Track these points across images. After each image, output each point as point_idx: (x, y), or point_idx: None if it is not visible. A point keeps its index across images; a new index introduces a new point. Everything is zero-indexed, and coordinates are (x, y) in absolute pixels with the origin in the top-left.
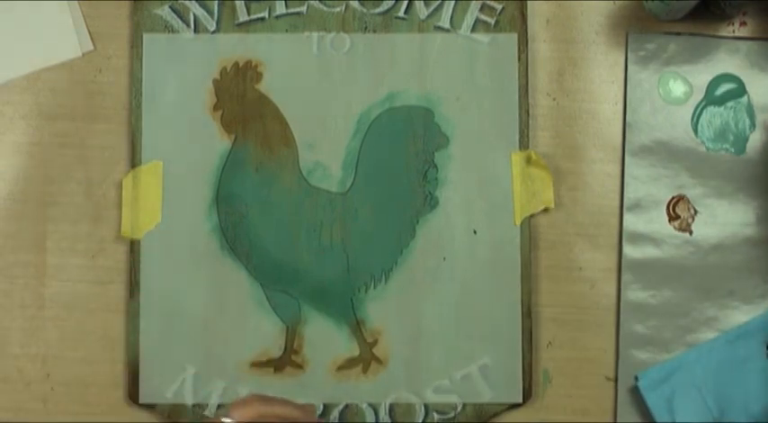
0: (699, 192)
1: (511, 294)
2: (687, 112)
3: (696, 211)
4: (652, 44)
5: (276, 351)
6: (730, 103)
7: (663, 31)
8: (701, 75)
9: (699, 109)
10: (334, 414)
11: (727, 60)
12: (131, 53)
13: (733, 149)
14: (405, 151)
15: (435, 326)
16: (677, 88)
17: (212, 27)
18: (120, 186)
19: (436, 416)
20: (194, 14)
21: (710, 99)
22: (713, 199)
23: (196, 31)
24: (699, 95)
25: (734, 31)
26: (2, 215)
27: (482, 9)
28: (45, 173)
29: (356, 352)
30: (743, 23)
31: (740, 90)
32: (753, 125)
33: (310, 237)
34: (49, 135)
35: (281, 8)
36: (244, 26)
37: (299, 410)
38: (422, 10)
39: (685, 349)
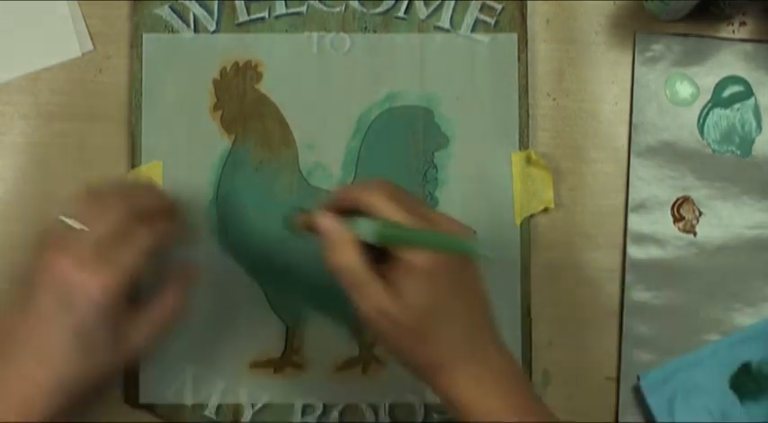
0: (704, 193)
1: (511, 294)
2: (693, 113)
3: (701, 213)
4: (659, 45)
5: (276, 351)
6: (737, 106)
7: (670, 32)
8: (708, 76)
9: (705, 111)
10: (334, 414)
11: (734, 62)
12: (131, 53)
13: (739, 151)
14: (405, 151)
15: None
16: (684, 90)
17: (212, 27)
18: None
19: (436, 416)
20: (194, 14)
21: (717, 101)
22: (718, 201)
23: (196, 31)
24: (705, 97)
25: (733, 32)
26: (2, 215)
27: (482, 9)
28: (45, 173)
29: (356, 352)
30: (742, 23)
31: (747, 92)
32: (759, 127)
33: (310, 237)
34: (48, 135)
35: (280, 8)
36: (244, 26)
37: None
38: (422, 10)
39: (688, 351)
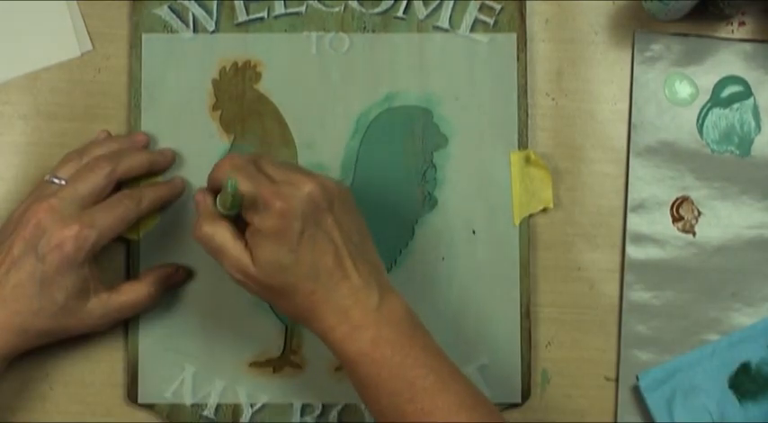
0: (703, 193)
1: (510, 294)
2: (693, 113)
3: (700, 213)
4: (658, 45)
5: (275, 351)
6: (736, 105)
7: (669, 32)
8: (708, 76)
9: (704, 110)
10: (333, 414)
11: (733, 62)
12: (130, 53)
13: (738, 151)
14: (404, 151)
15: (434, 326)
16: (683, 89)
17: (211, 27)
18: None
19: None
20: (193, 14)
21: (716, 101)
22: (717, 201)
23: (195, 31)
24: (704, 97)
25: (733, 32)
26: (1, 215)
27: (481, 9)
28: (44, 173)
29: None
30: (742, 23)
31: (746, 92)
32: (758, 127)
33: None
34: (47, 135)
35: (279, 8)
36: (243, 26)
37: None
38: (421, 10)
39: (687, 351)
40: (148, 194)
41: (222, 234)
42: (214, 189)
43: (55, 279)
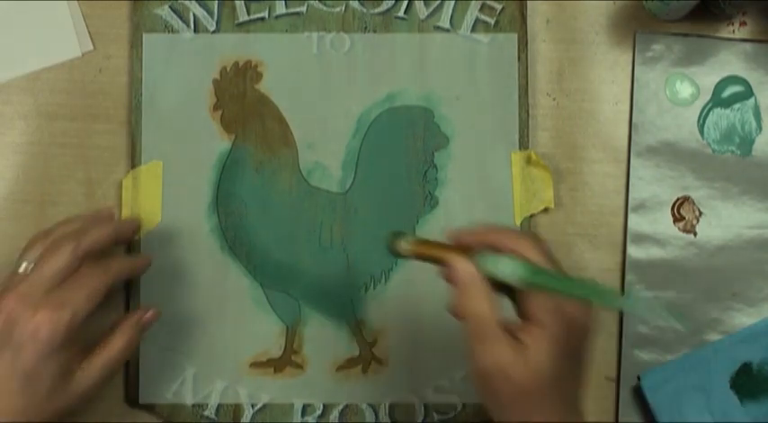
0: (704, 193)
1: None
2: (693, 113)
3: (701, 213)
4: (659, 45)
5: (276, 351)
6: (737, 106)
7: (670, 32)
8: (708, 76)
9: (705, 111)
10: (334, 414)
11: (734, 62)
12: (131, 53)
13: (739, 151)
14: (405, 151)
15: (435, 326)
16: (684, 90)
17: (212, 27)
18: (120, 186)
19: (436, 416)
20: (194, 14)
21: (717, 101)
22: (718, 201)
23: (196, 31)
24: (705, 97)
25: (733, 32)
26: (2, 215)
27: (482, 9)
28: (45, 173)
29: (356, 352)
30: (743, 23)
31: (747, 92)
32: (759, 127)
33: (310, 237)
34: (48, 135)
35: (280, 8)
36: (244, 26)
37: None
38: (422, 10)
39: (688, 351)
40: (115, 263)
41: (493, 318)
42: (464, 246)
43: (35, 370)
